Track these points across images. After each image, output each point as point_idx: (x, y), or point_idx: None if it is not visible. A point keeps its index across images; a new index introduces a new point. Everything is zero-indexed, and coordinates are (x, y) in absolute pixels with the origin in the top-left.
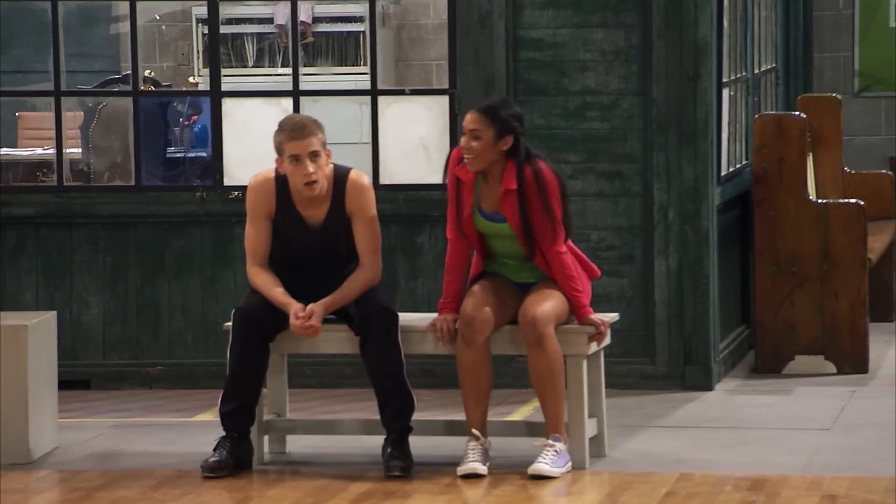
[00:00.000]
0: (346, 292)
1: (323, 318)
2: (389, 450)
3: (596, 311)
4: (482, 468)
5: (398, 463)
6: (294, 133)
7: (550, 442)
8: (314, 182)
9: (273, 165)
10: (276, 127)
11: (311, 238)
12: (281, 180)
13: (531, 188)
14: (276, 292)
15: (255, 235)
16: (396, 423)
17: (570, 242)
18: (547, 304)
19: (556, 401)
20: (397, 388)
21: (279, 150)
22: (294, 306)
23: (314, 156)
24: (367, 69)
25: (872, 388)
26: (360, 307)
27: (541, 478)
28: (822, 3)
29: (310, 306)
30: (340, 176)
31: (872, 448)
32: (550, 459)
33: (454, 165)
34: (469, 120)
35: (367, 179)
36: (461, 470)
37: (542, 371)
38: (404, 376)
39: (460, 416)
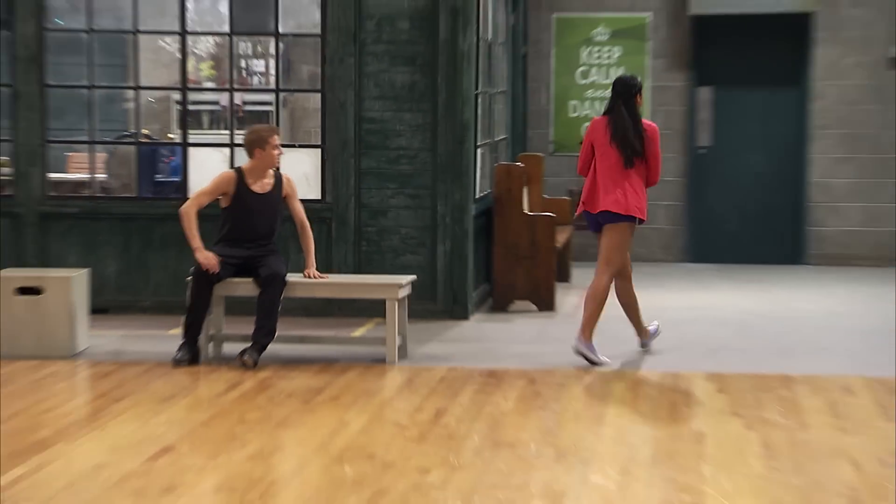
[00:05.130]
0: (311, 248)
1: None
2: (250, 348)
3: (406, 272)
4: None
5: (255, 357)
6: (275, 131)
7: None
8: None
9: (226, 170)
10: (249, 132)
11: (260, 203)
12: (240, 172)
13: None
14: (196, 233)
15: (206, 198)
16: (261, 339)
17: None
18: (603, 254)
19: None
20: (272, 321)
21: (262, 142)
22: (203, 253)
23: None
24: None
25: (557, 319)
26: (265, 271)
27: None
28: (533, 101)
29: (309, 271)
30: (278, 172)
31: (558, 353)
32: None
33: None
34: None
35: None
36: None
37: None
38: (277, 317)
39: (318, 333)
